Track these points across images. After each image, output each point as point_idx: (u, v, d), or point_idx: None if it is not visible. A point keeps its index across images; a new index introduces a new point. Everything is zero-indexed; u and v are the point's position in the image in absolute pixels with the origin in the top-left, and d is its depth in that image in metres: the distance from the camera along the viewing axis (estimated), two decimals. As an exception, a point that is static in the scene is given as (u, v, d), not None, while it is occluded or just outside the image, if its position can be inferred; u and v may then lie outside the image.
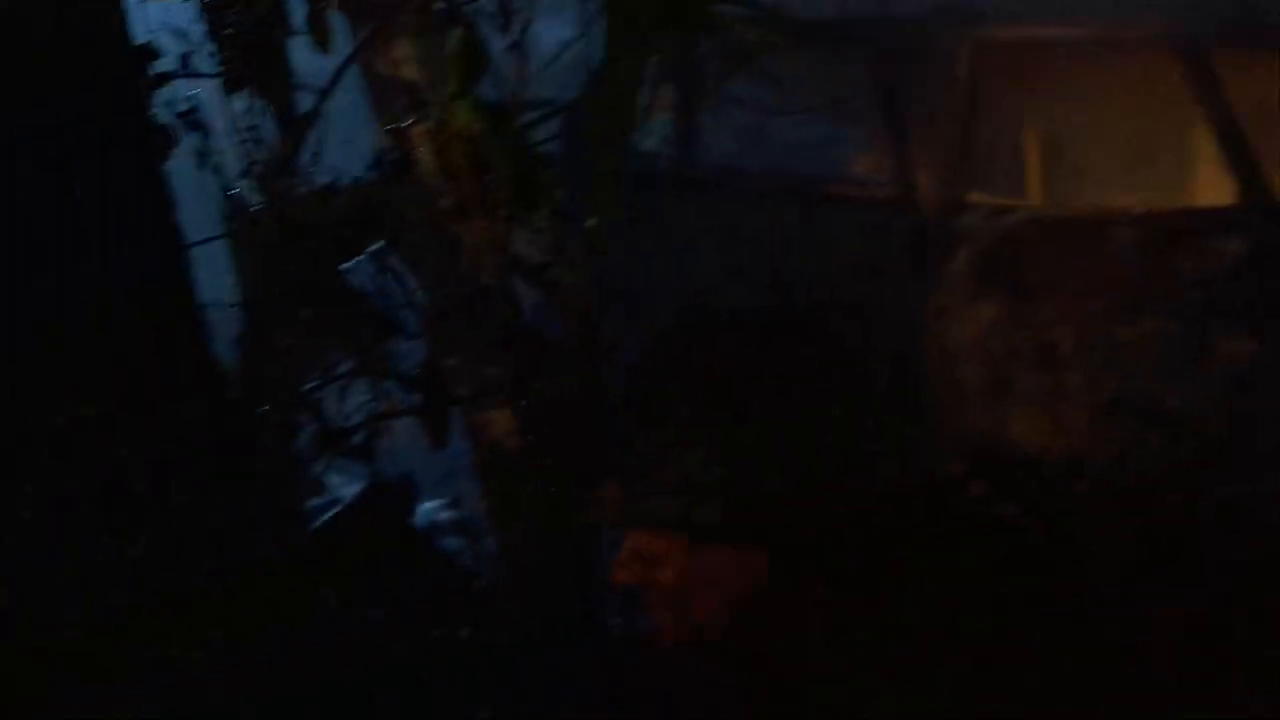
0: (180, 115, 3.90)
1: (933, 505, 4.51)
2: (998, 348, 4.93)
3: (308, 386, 4.23)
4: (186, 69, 3.94)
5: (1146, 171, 5.06)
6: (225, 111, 4.12)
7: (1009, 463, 4.82)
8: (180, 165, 3.83)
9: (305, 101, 4.32)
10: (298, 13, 4.25)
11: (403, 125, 4.19)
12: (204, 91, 4.01)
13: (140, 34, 3.69)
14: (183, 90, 3.93)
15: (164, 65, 3.81)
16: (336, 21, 4.35)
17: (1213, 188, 4.80)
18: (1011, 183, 5.20)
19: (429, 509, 4.54)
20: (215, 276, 4.12)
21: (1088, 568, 4.31)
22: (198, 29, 3.97)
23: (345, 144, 4.27)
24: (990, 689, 3.28)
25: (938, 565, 3.80)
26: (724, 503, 2.88)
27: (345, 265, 4.22)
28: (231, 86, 4.04)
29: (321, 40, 4.26)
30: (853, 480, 4.48)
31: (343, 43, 4.39)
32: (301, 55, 4.29)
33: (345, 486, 4.53)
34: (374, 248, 4.35)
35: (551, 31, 4.56)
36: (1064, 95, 5.03)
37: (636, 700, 3.47)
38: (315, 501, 4.37)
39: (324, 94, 4.33)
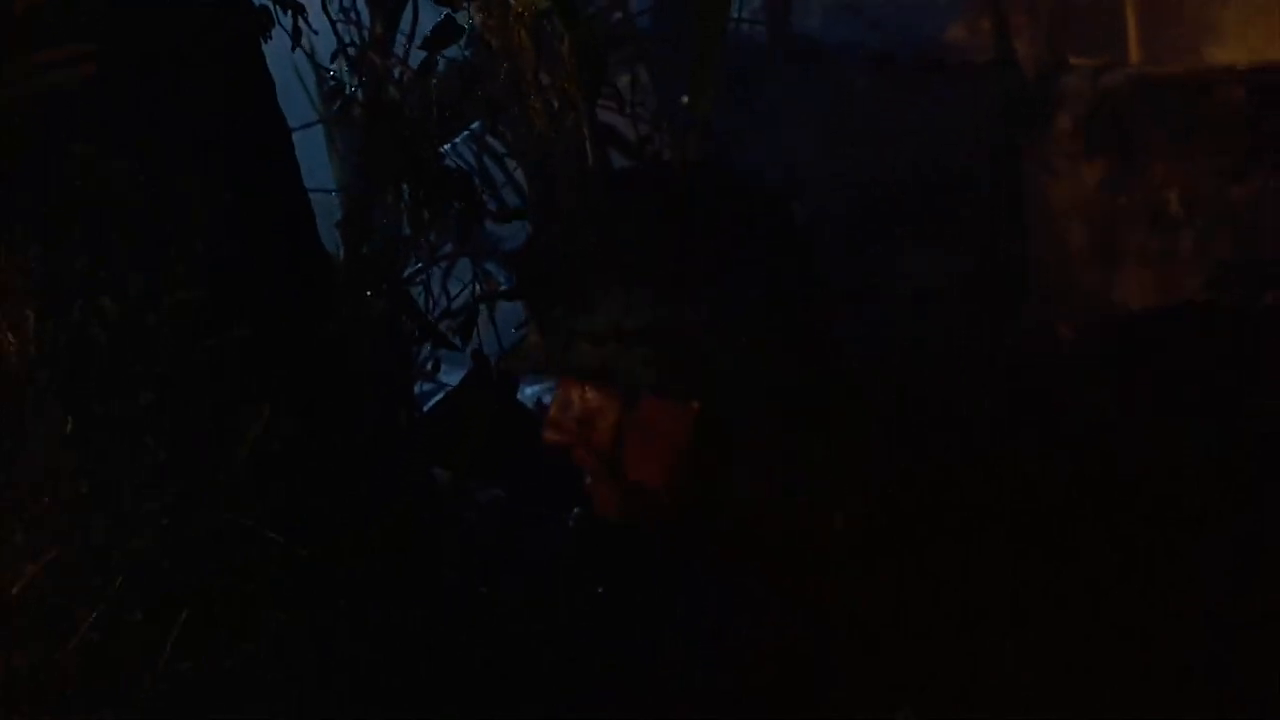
0: (275, -4, 3.84)
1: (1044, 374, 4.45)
2: (1103, 209, 4.87)
3: (410, 270, 4.19)
4: (279, -53, 3.87)
5: (1251, 27, 4.96)
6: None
7: (1116, 326, 4.75)
8: (275, 47, 3.77)
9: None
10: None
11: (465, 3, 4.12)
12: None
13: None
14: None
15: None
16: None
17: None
18: (1112, 43, 5.11)
19: (534, 392, 4.52)
20: (314, 161, 4.08)
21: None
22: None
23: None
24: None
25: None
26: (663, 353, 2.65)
27: (443, 146, 4.17)
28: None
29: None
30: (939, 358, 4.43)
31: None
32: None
33: (449, 372, 4.52)
34: (472, 127, 4.31)
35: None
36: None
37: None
38: (421, 386, 4.36)
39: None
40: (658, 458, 2.68)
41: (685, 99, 4.46)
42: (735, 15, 4.56)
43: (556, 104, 4.07)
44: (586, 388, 2.67)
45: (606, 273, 2.59)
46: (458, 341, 4.17)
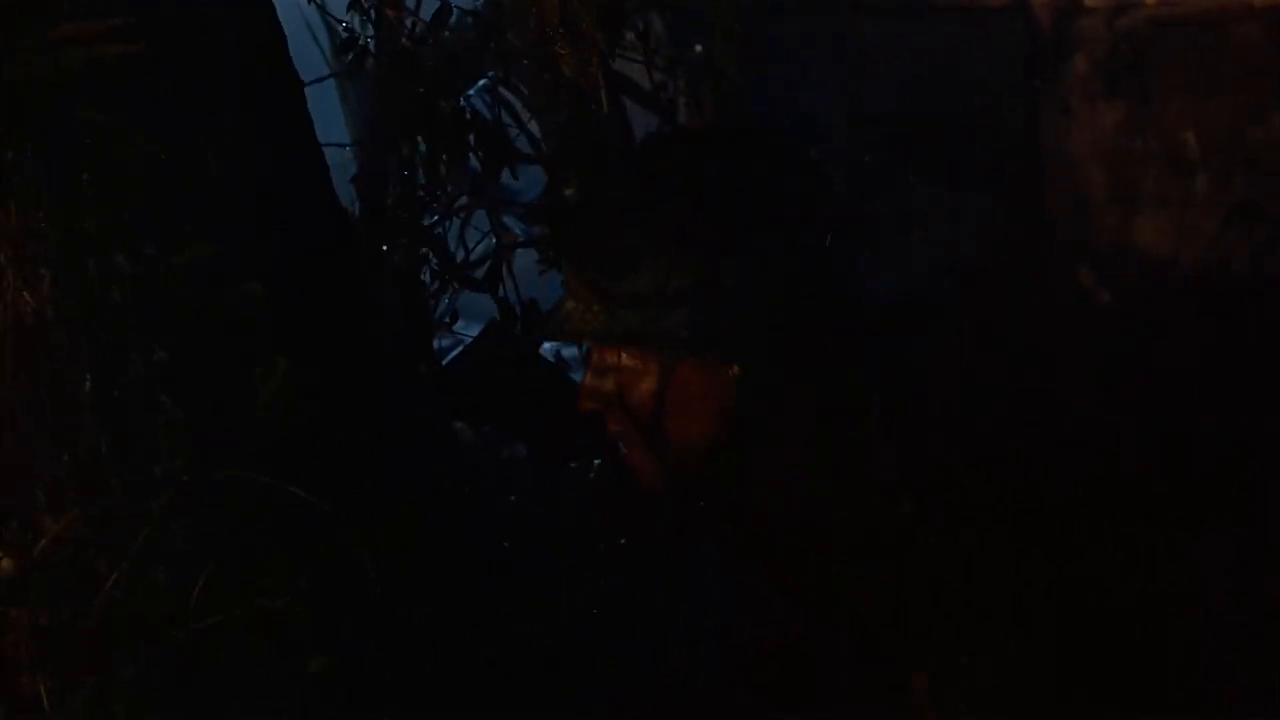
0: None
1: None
2: (1121, 152, 4.84)
3: (427, 222, 4.17)
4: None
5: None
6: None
7: (1134, 271, 4.75)
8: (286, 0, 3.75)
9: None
10: None
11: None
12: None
13: None
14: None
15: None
16: None
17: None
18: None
19: (553, 346, 4.50)
20: (327, 116, 4.06)
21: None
22: None
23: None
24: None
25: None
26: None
27: (459, 97, 4.14)
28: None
29: None
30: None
31: None
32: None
33: (466, 325, 4.50)
34: (487, 78, 4.28)
35: None
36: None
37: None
38: (440, 340, 4.35)
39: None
40: (697, 422, 2.65)
41: (699, 47, 4.43)
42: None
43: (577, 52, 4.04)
44: (623, 353, 2.64)
45: (646, 235, 2.57)
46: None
